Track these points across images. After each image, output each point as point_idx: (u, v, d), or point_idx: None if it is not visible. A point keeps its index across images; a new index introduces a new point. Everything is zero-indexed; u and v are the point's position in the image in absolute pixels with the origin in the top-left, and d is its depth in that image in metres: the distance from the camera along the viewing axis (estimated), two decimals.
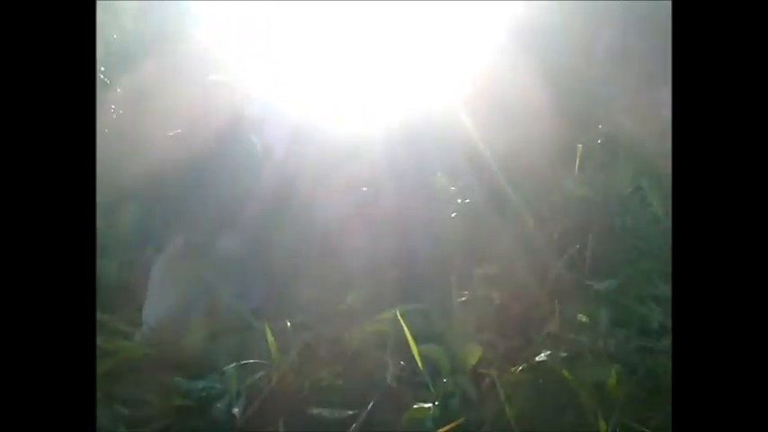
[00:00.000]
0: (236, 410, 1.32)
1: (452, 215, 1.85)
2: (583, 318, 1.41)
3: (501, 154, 2.08)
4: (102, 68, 2.38)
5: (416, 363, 1.34)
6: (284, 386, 1.38)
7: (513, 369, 1.35)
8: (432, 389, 1.33)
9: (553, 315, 1.48)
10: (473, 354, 1.37)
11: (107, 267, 1.82)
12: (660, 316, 1.47)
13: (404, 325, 1.34)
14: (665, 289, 1.56)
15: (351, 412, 1.32)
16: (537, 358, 1.34)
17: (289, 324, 1.53)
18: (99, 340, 1.37)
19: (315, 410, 1.33)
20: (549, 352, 1.35)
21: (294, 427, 1.30)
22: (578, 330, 1.44)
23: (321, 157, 2.23)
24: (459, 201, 1.88)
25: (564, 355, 1.35)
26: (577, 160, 1.83)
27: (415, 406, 1.28)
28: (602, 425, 1.17)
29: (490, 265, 1.63)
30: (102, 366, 1.35)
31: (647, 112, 2.21)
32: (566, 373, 1.30)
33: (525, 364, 1.34)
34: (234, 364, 1.39)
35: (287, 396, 1.36)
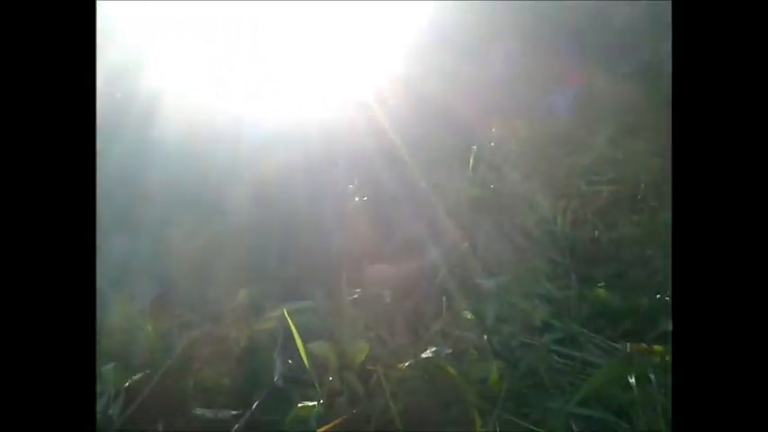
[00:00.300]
0: (112, 411, 1.26)
1: (349, 212, 1.86)
2: (468, 314, 1.44)
3: (401, 153, 2.10)
4: None
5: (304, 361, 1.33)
6: (166, 386, 1.34)
7: (399, 366, 1.35)
8: (318, 387, 1.31)
9: (442, 312, 1.51)
10: (361, 351, 1.37)
11: None
12: (543, 313, 1.52)
13: (291, 323, 1.33)
14: (550, 287, 1.62)
15: (234, 412, 1.29)
16: (423, 355, 1.35)
17: (175, 323, 1.48)
18: None
19: (198, 411, 1.29)
20: (434, 348, 1.36)
21: (174, 428, 1.27)
22: (465, 327, 1.47)
23: (222, 153, 2.19)
24: (356, 198, 1.89)
25: (449, 351, 1.37)
26: (471, 161, 1.87)
27: (299, 405, 1.26)
28: (479, 420, 1.20)
29: (383, 263, 1.64)
30: None
31: (541, 115, 2.29)
32: (450, 369, 1.32)
33: (412, 361, 1.35)
34: (112, 365, 1.33)
35: (168, 396, 1.32)
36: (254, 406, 1.30)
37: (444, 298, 1.51)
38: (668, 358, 1.35)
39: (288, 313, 1.38)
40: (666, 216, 1.79)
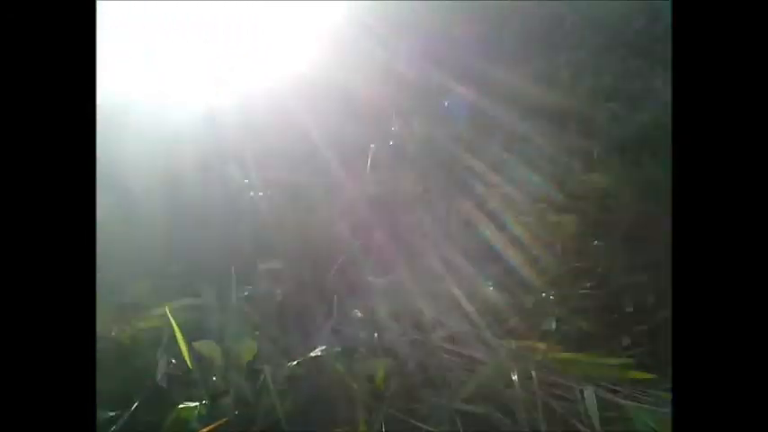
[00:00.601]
0: None
1: (244, 208, 1.82)
2: (358, 312, 1.44)
3: (300, 151, 2.09)
4: None
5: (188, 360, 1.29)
6: None
7: (288, 364, 1.33)
8: (202, 387, 1.28)
9: (333, 310, 1.50)
10: (249, 350, 1.34)
11: None
12: (433, 311, 1.54)
13: (173, 321, 1.28)
14: (441, 285, 1.64)
15: (112, 413, 1.23)
16: (312, 353, 1.34)
17: None
18: None
19: None
20: (324, 347, 1.36)
21: None
22: (356, 325, 1.47)
23: (117, 145, 2.10)
24: (251, 193, 1.85)
25: (338, 349, 1.37)
26: (369, 160, 1.88)
27: (180, 406, 1.22)
28: (364, 418, 1.20)
29: (274, 260, 1.61)
30: None
31: (441, 115, 2.33)
32: (339, 366, 1.31)
33: (300, 359, 1.34)
34: None
35: None
36: (134, 407, 1.25)
37: (336, 296, 1.51)
38: (550, 356, 1.40)
39: (171, 311, 1.34)
40: (553, 217, 1.86)
